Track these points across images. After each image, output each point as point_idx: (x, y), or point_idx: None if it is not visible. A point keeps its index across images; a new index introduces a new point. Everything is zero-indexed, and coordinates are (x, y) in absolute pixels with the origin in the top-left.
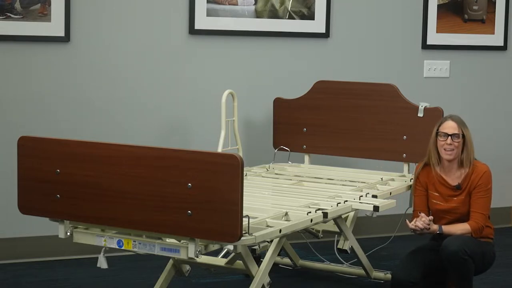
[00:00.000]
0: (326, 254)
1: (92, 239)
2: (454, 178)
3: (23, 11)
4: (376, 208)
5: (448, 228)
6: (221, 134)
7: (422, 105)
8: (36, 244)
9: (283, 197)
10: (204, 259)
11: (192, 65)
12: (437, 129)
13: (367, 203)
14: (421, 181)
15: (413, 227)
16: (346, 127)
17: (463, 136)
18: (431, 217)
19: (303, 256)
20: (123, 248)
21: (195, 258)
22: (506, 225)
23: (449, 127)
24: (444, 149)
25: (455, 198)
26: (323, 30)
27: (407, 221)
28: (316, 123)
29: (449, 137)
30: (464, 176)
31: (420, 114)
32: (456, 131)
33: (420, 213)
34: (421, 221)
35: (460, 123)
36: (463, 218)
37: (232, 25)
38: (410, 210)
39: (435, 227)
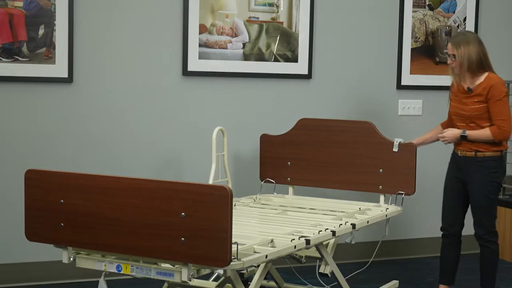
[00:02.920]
0: (309, 277)
1: (93, 264)
2: (467, 84)
3: (30, 54)
4: (353, 226)
5: (472, 132)
6: (212, 167)
7: (397, 141)
8: (42, 269)
9: (269, 225)
10: (196, 282)
11: (185, 104)
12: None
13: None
14: (450, 91)
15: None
16: (327, 161)
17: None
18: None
19: (287, 279)
20: (122, 272)
21: (188, 281)
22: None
23: (448, 48)
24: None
25: (467, 101)
26: (306, 72)
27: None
28: (299, 157)
29: (449, 57)
30: (476, 84)
31: (395, 149)
32: (451, 52)
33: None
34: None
35: (455, 44)
36: (472, 121)
37: (222, 67)
38: (388, 237)
39: (458, 130)
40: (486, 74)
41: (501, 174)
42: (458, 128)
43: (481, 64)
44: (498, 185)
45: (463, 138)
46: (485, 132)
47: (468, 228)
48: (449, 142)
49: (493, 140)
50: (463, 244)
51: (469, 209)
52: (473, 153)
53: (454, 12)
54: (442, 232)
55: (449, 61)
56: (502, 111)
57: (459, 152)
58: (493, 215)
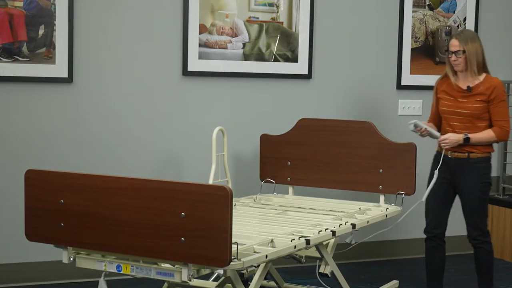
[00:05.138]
0: (309, 278)
1: (93, 264)
2: (467, 83)
3: (30, 54)
4: (353, 226)
5: (474, 135)
6: (212, 167)
7: (410, 123)
8: (42, 269)
9: (269, 225)
10: (196, 282)
11: (185, 104)
12: (447, 47)
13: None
14: (438, 89)
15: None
16: (327, 161)
17: (464, 51)
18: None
19: (288, 279)
20: (122, 272)
21: (188, 281)
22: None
23: (452, 45)
24: (452, 63)
25: (466, 100)
26: (306, 72)
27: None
28: (299, 158)
29: (453, 54)
30: (476, 83)
31: (412, 128)
32: (457, 49)
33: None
34: (424, 129)
35: (463, 40)
36: (470, 120)
37: (222, 67)
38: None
39: (460, 135)
40: (484, 74)
41: (490, 175)
42: (451, 127)
43: (484, 63)
44: (489, 185)
45: (466, 141)
46: (488, 134)
47: (461, 228)
48: (449, 146)
49: (496, 141)
50: (459, 245)
51: (454, 211)
52: (466, 154)
53: (454, 12)
54: (426, 236)
55: (453, 58)
56: (504, 112)
57: (449, 154)
58: (486, 215)
